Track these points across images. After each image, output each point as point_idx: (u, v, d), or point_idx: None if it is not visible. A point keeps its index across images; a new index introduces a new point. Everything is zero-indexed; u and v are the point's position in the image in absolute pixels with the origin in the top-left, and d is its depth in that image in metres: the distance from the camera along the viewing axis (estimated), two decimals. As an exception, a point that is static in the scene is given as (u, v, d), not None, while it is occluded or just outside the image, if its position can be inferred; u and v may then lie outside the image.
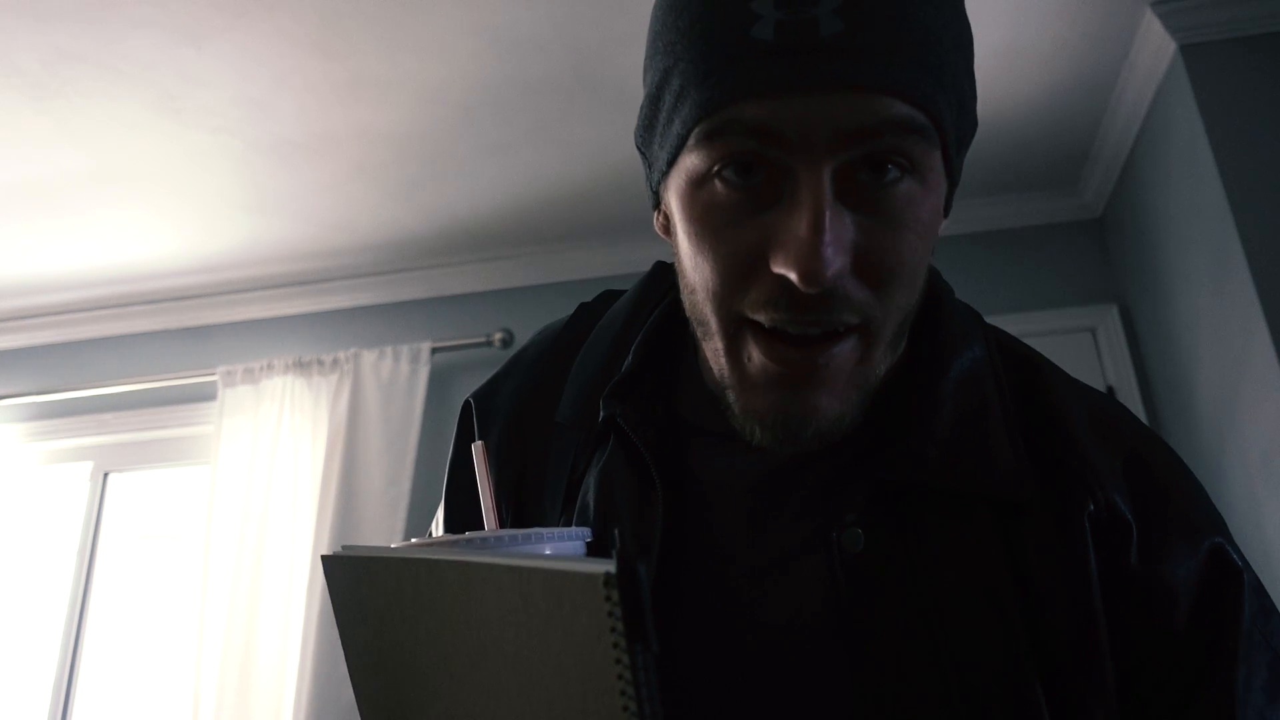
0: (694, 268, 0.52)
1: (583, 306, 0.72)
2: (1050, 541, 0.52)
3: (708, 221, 0.51)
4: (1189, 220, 1.94)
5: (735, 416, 0.54)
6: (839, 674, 0.51)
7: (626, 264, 2.58)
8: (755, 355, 0.51)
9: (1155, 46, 1.91)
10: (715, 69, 0.48)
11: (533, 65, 1.93)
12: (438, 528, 0.70)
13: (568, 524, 0.60)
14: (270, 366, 2.60)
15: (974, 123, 0.55)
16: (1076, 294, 2.43)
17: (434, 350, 2.59)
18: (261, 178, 2.27)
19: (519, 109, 2.07)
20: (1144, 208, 2.19)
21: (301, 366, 2.59)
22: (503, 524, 0.60)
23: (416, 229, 2.54)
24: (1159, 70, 1.94)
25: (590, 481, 0.60)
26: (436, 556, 0.41)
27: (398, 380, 2.54)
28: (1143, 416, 2.26)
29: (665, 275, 0.68)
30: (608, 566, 0.31)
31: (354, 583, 0.47)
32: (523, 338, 2.62)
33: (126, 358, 2.84)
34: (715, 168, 0.49)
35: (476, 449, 0.56)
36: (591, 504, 0.59)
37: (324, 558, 0.47)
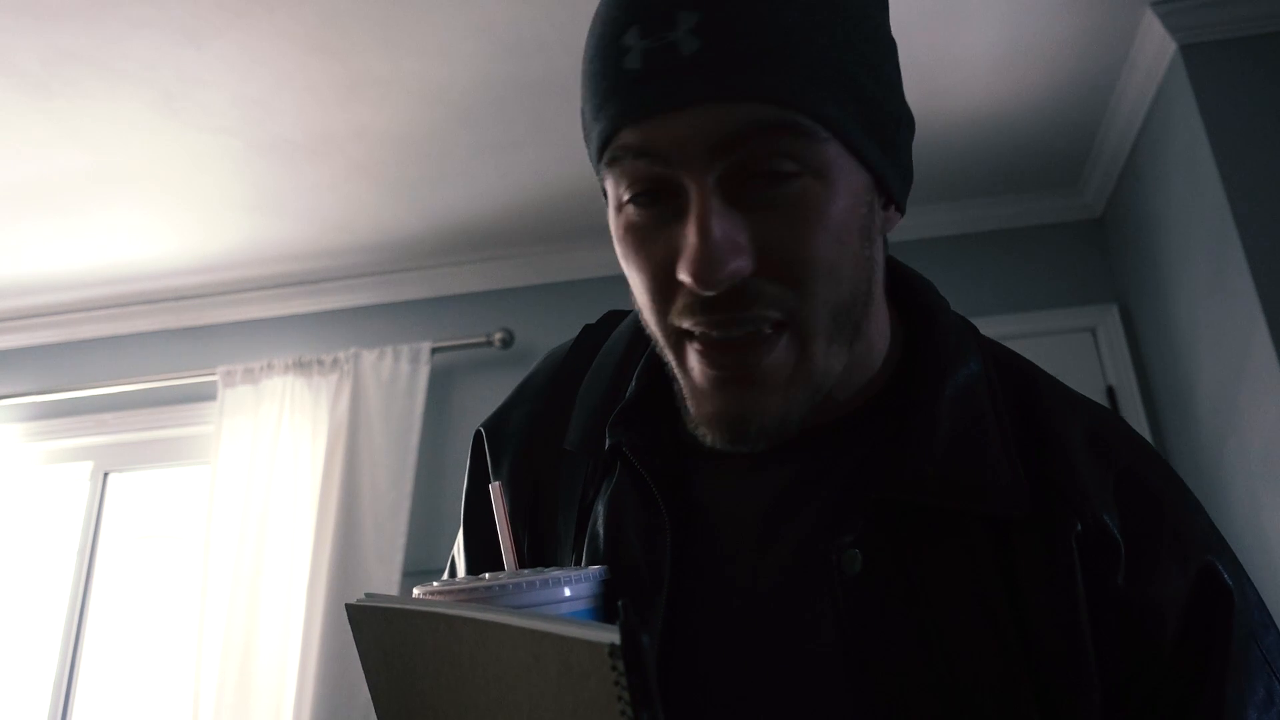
0: (633, 286, 0.56)
1: (587, 328, 0.74)
2: (1040, 560, 0.52)
3: (627, 243, 0.54)
4: (1189, 220, 1.94)
5: (691, 424, 0.56)
6: (845, 695, 0.52)
7: (626, 264, 2.58)
8: (694, 363, 0.54)
9: (1155, 47, 1.91)
10: (603, 103, 0.52)
11: (533, 65, 1.93)
12: (460, 554, 0.71)
13: (580, 550, 0.61)
14: (270, 366, 2.61)
15: (898, 112, 0.55)
16: (1076, 294, 2.43)
17: (434, 350, 2.59)
18: (261, 178, 2.27)
19: (519, 109, 2.07)
20: (1144, 208, 2.19)
21: (301, 366, 2.59)
22: (520, 551, 0.61)
23: (416, 229, 2.55)
24: (1159, 70, 1.94)
25: (599, 509, 0.61)
26: (456, 613, 0.43)
27: (398, 380, 2.54)
28: (1143, 417, 2.26)
29: None
30: (613, 637, 0.33)
31: (377, 632, 0.48)
32: (523, 338, 2.62)
33: (126, 358, 2.84)
34: (625, 195, 0.53)
35: (494, 490, 0.57)
36: (601, 533, 0.60)
37: (348, 606, 0.48)
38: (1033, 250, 2.50)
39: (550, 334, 2.60)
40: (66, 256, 2.59)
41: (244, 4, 1.72)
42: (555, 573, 0.51)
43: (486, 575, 0.52)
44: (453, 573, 0.73)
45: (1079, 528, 0.53)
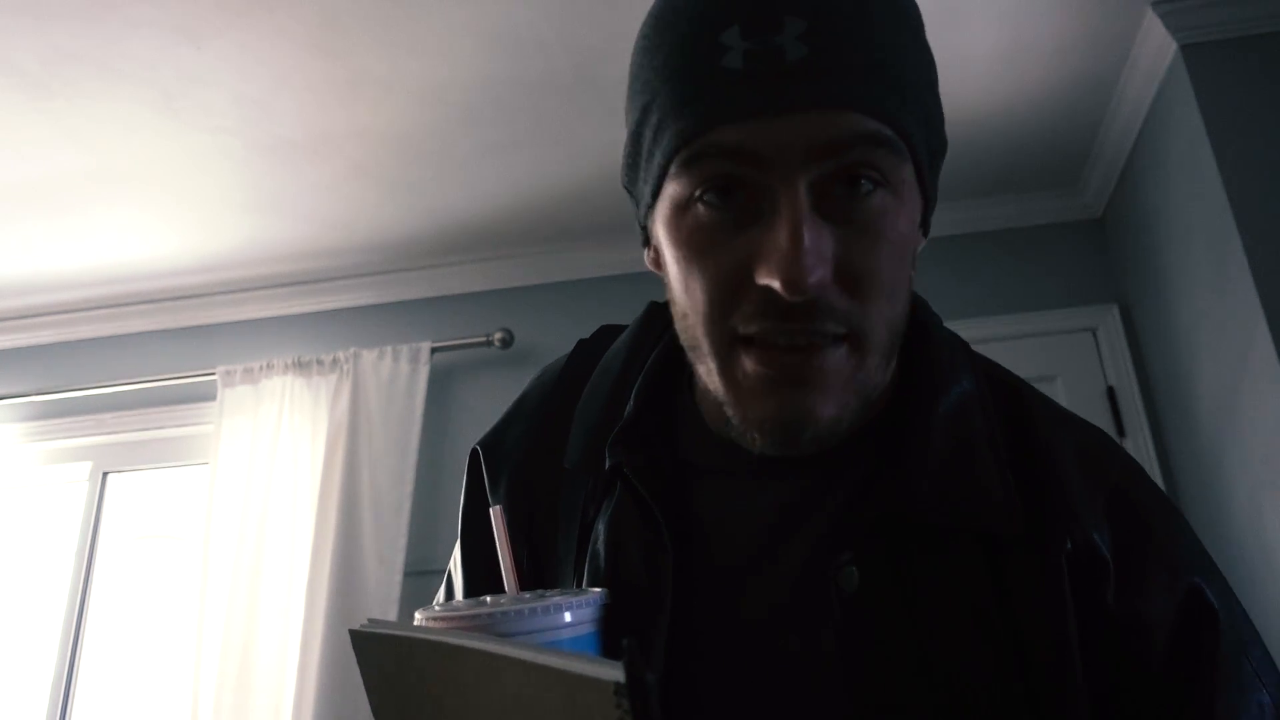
0: (685, 291, 0.55)
1: (581, 344, 0.74)
2: (1031, 576, 0.53)
3: (694, 244, 0.53)
4: (1189, 220, 1.94)
5: (735, 429, 0.56)
6: (845, 709, 0.52)
7: (626, 264, 2.58)
8: (749, 366, 0.53)
9: (1156, 46, 1.91)
10: (690, 99, 0.51)
11: (533, 65, 1.93)
12: (457, 571, 0.72)
13: (581, 569, 0.61)
14: (270, 366, 2.60)
15: (944, 142, 0.58)
16: (1077, 294, 2.43)
17: (434, 350, 2.58)
18: (261, 178, 2.26)
19: (519, 109, 2.07)
20: (1144, 208, 2.19)
21: (301, 366, 2.59)
22: (521, 570, 0.62)
23: (416, 229, 2.54)
24: (1159, 70, 1.94)
25: (600, 529, 0.61)
26: (460, 642, 0.43)
27: (398, 380, 2.54)
28: (1143, 417, 2.26)
29: (659, 316, 0.70)
30: (618, 675, 0.33)
31: (381, 659, 0.49)
32: (523, 338, 2.62)
33: (126, 358, 2.84)
34: (697, 192, 0.52)
35: (495, 514, 0.57)
36: (603, 552, 0.60)
37: (352, 632, 0.49)
38: (1033, 250, 2.50)
39: (550, 334, 2.60)
40: (66, 256, 2.59)
41: (244, 4, 1.72)
42: (556, 598, 0.52)
43: (488, 599, 0.52)
44: (449, 589, 0.73)
45: (1069, 546, 0.54)
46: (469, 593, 0.69)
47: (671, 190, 0.54)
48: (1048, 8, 1.84)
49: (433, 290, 2.75)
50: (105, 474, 2.78)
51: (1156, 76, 1.96)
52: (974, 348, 0.68)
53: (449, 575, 0.73)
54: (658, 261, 0.59)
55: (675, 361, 0.65)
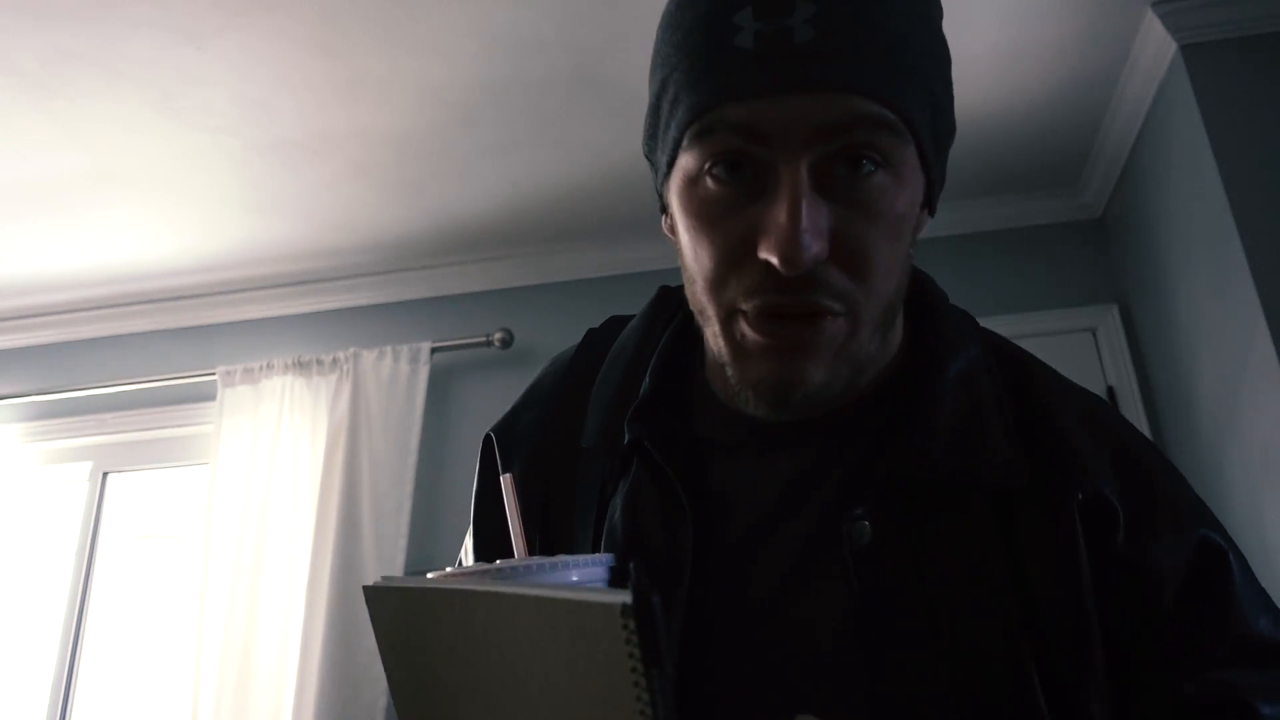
0: (694, 259, 0.57)
1: (591, 332, 0.76)
2: (1043, 530, 0.55)
3: (702, 215, 0.55)
4: (1189, 220, 1.94)
5: (733, 389, 0.59)
6: (856, 659, 0.54)
7: (626, 264, 2.58)
8: (748, 332, 0.56)
9: (1156, 47, 1.91)
10: (703, 76, 0.53)
11: (533, 65, 1.93)
12: (467, 555, 0.73)
13: (597, 547, 0.63)
14: (270, 366, 2.60)
15: (951, 125, 0.60)
16: (1076, 294, 2.43)
17: (434, 350, 2.58)
18: (261, 178, 2.26)
19: (519, 109, 2.07)
20: (1144, 208, 2.19)
21: (301, 366, 2.59)
22: (531, 546, 0.63)
23: (416, 229, 2.54)
24: (1159, 70, 1.94)
25: (616, 503, 0.63)
26: (470, 587, 0.44)
27: (398, 380, 2.54)
28: (1143, 416, 2.26)
29: (670, 299, 0.72)
30: (624, 598, 0.34)
31: (393, 612, 0.50)
32: (522, 338, 2.62)
33: (126, 358, 2.84)
34: (706, 165, 0.54)
35: (505, 481, 0.59)
36: (619, 525, 0.62)
37: (365, 589, 0.50)
38: (1033, 250, 2.50)
39: (550, 334, 2.60)
40: (66, 256, 2.59)
41: (244, 4, 1.72)
42: (564, 558, 0.53)
43: (498, 561, 0.54)
44: None
45: (1080, 497, 0.56)
46: None
47: (684, 162, 0.56)
48: (1048, 8, 1.84)
49: (432, 290, 2.75)
50: (105, 474, 2.78)
51: (1156, 76, 1.96)
52: (975, 345, 0.68)
53: (460, 562, 0.74)
54: (673, 229, 0.61)
55: (688, 341, 0.68)
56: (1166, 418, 2.22)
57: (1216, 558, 0.57)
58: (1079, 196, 2.51)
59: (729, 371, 0.58)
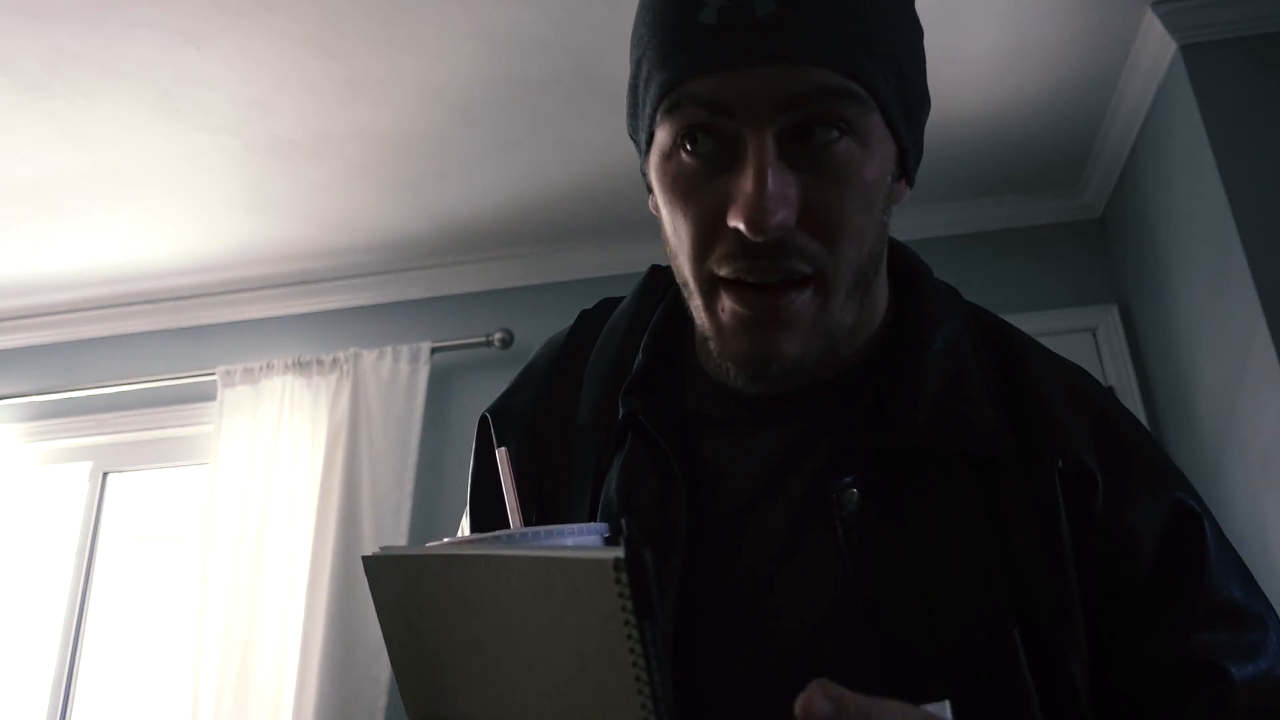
0: (673, 233, 0.59)
1: (584, 313, 0.78)
2: (1025, 496, 0.57)
3: (677, 189, 0.57)
4: (1189, 220, 1.94)
5: (715, 361, 0.61)
6: (846, 621, 0.56)
7: (625, 264, 2.58)
8: (727, 305, 0.57)
9: (1156, 47, 1.91)
10: (671, 53, 0.55)
11: (533, 65, 1.93)
12: (464, 534, 0.73)
13: (593, 521, 0.64)
14: (270, 366, 2.60)
15: (924, 95, 0.61)
16: (1076, 294, 2.43)
17: (434, 350, 2.58)
18: (261, 178, 2.26)
19: (519, 109, 2.07)
20: (1144, 208, 2.19)
21: (301, 366, 2.59)
22: (528, 524, 0.63)
23: (416, 229, 2.54)
24: (1159, 70, 1.94)
25: (612, 477, 0.64)
26: (466, 552, 0.45)
27: (398, 380, 2.54)
28: (1143, 416, 2.26)
29: (661, 277, 0.74)
30: (617, 553, 0.35)
31: (392, 580, 0.51)
32: (523, 338, 2.62)
33: (126, 358, 2.83)
34: (678, 140, 0.56)
35: (501, 454, 0.60)
36: (615, 498, 0.63)
37: (364, 558, 0.51)
38: (1033, 250, 2.50)
39: (550, 334, 2.60)
40: (66, 256, 2.59)
41: (244, 4, 1.72)
42: (559, 526, 0.54)
43: (495, 532, 0.55)
44: None
45: (1060, 464, 0.58)
46: None
47: (659, 138, 0.58)
48: (1048, 8, 1.84)
49: (432, 290, 2.75)
50: (105, 474, 2.78)
51: (1156, 76, 1.96)
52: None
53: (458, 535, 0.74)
54: (657, 207, 0.62)
55: (679, 318, 0.69)
56: (1166, 418, 2.22)
57: (1192, 522, 0.59)
58: (1079, 197, 2.51)
59: (711, 345, 0.60)
